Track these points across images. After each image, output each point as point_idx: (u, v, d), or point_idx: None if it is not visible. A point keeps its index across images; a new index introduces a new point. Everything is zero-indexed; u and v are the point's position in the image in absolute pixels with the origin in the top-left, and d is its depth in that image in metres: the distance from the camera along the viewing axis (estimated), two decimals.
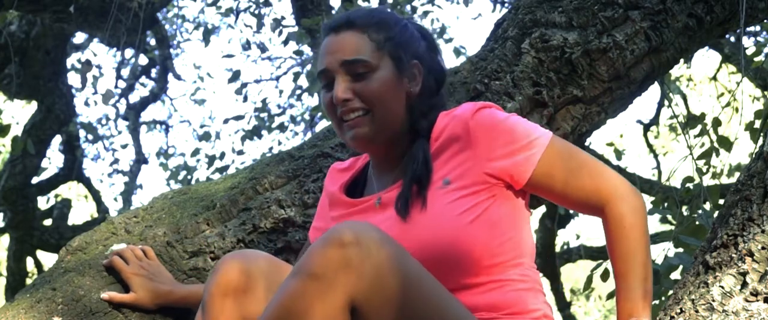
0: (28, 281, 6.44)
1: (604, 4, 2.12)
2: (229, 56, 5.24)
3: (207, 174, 6.65)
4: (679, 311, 1.29)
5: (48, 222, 6.64)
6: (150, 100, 7.49)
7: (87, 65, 5.18)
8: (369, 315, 1.18)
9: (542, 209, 6.73)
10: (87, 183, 7.05)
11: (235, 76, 5.24)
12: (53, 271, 1.83)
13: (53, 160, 9.92)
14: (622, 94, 2.18)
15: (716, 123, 2.91)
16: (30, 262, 6.59)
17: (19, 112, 8.23)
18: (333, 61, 1.46)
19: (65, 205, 6.68)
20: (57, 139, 6.61)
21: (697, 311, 1.26)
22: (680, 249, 2.29)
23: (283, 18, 5.08)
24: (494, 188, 1.40)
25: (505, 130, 1.41)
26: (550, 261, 6.91)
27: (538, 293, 1.43)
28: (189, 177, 6.97)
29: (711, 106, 7.60)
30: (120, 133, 7.85)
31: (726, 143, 2.77)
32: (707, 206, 2.84)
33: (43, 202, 7.08)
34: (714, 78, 7.04)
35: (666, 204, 2.87)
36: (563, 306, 7.39)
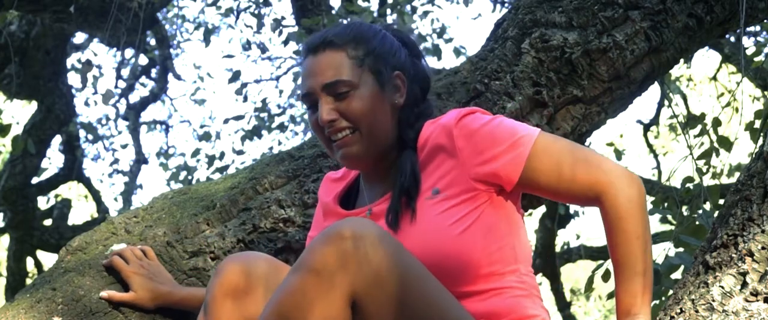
0: (28, 281, 6.44)
1: (604, 4, 2.12)
2: (229, 56, 5.24)
3: (207, 174, 6.65)
4: (679, 311, 1.28)
5: (48, 222, 6.64)
6: (150, 100, 7.49)
7: (87, 65, 5.18)
8: (369, 310, 1.19)
9: (542, 209, 6.73)
10: (87, 183, 7.04)
11: (235, 76, 5.24)
12: (53, 271, 1.83)
13: (53, 160, 9.93)
14: (622, 94, 2.18)
15: (716, 123, 2.91)
16: (30, 262, 6.58)
17: (19, 112, 8.23)
18: (314, 84, 1.46)
19: (65, 205, 6.68)
20: (57, 139, 6.61)
21: (697, 311, 1.26)
22: (680, 249, 2.29)
23: (283, 18, 5.08)
24: (484, 195, 1.40)
25: (488, 133, 1.40)
26: (550, 261, 6.91)
27: (535, 298, 1.43)
28: (189, 177, 6.97)
29: (711, 106, 7.61)
30: (120, 133, 7.85)
31: (726, 143, 2.77)
32: (707, 206, 2.84)
33: (43, 202, 7.08)
34: (714, 78, 7.04)
35: (666, 204, 2.87)
36: (563, 306, 7.39)
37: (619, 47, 2.08)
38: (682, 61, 2.41)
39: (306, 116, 6.50)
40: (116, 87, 7.20)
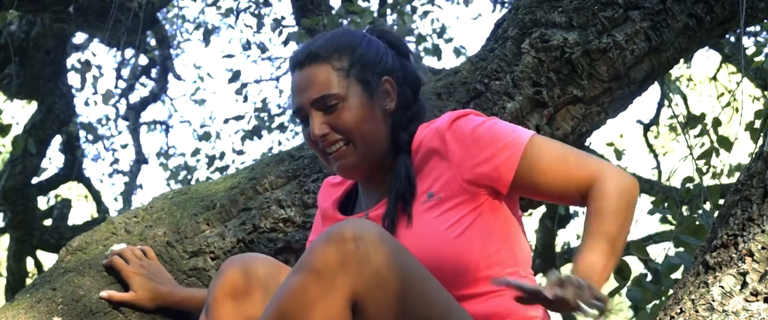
0: (28, 281, 6.44)
1: (604, 4, 2.12)
2: (230, 56, 5.24)
3: (207, 174, 6.65)
4: (679, 311, 1.28)
5: (48, 222, 6.64)
6: (150, 100, 7.49)
7: (87, 65, 5.18)
8: (370, 311, 1.19)
9: (542, 209, 6.73)
10: (87, 183, 7.04)
11: (236, 76, 5.24)
12: (53, 271, 1.83)
13: (53, 160, 9.92)
14: (622, 94, 2.18)
15: (716, 123, 2.91)
16: (30, 262, 6.58)
17: (19, 112, 8.23)
18: (303, 100, 1.46)
19: (65, 205, 6.68)
20: (57, 139, 6.60)
21: (697, 311, 1.26)
22: (680, 249, 2.29)
23: (283, 18, 5.08)
24: (479, 197, 1.39)
25: (480, 135, 1.39)
26: (550, 261, 6.91)
27: None
28: (189, 177, 6.97)
29: (711, 106, 7.60)
30: (120, 133, 7.84)
31: (726, 143, 2.77)
32: (707, 206, 2.84)
33: (43, 202, 7.08)
34: (714, 78, 7.04)
35: (666, 204, 2.87)
36: None
37: (619, 47, 2.09)
38: (682, 61, 2.41)
39: None
40: (116, 87, 7.20)
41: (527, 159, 1.37)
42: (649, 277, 2.33)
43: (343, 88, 1.44)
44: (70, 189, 8.04)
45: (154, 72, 7.27)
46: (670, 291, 1.83)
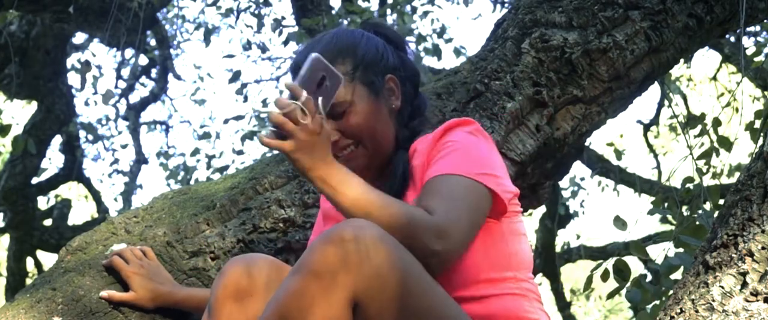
0: (28, 281, 6.44)
1: (604, 4, 2.12)
2: (230, 56, 5.24)
3: (207, 174, 6.65)
4: (679, 311, 1.28)
5: (48, 222, 6.64)
6: (150, 100, 7.49)
7: (87, 65, 5.18)
8: (370, 311, 1.19)
9: (542, 209, 6.73)
10: (87, 183, 7.04)
11: (236, 76, 5.24)
12: (53, 271, 1.83)
13: (53, 160, 9.93)
14: (622, 94, 2.18)
15: (716, 123, 2.91)
16: (30, 262, 6.58)
17: (19, 112, 8.23)
18: None
19: (65, 205, 6.68)
20: (57, 139, 6.60)
21: (697, 311, 1.26)
22: (680, 250, 2.29)
23: (283, 18, 5.08)
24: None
25: (442, 146, 1.40)
26: (550, 261, 6.92)
27: (534, 301, 1.43)
28: (189, 177, 6.97)
29: (711, 106, 7.60)
30: (120, 133, 7.84)
31: (726, 143, 2.77)
32: (707, 206, 2.84)
33: (43, 202, 7.08)
34: (714, 78, 7.04)
35: (666, 204, 2.87)
36: (563, 306, 7.39)
37: (619, 47, 2.08)
38: (682, 61, 2.41)
39: None
40: (116, 87, 7.20)
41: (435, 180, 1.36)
42: (649, 278, 2.33)
43: (349, 92, 1.44)
44: (70, 190, 8.04)
45: (154, 72, 7.27)
46: (670, 292, 1.83)
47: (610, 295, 2.38)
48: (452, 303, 1.27)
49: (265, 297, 1.38)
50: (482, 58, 2.19)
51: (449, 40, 5.78)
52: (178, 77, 7.09)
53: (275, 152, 2.00)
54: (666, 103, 6.22)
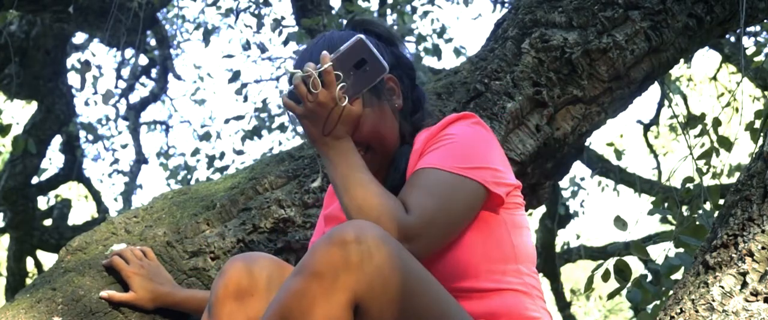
0: (28, 281, 6.44)
1: (604, 4, 2.12)
2: (229, 56, 5.23)
3: (207, 174, 6.65)
4: (679, 311, 1.28)
5: (48, 222, 6.64)
6: (150, 100, 7.49)
7: (86, 65, 5.17)
8: (371, 313, 1.19)
9: (542, 209, 6.73)
10: (87, 183, 7.04)
11: (236, 76, 5.24)
12: (53, 271, 1.83)
13: (53, 160, 9.93)
14: (622, 94, 2.18)
15: (716, 123, 2.90)
16: (30, 262, 6.58)
17: (19, 112, 8.23)
18: None
19: (65, 205, 6.68)
20: (57, 139, 6.60)
21: (697, 311, 1.26)
22: (680, 250, 2.29)
23: (283, 18, 5.08)
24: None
25: (440, 138, 1.40)
26: (550, 261, 6.92)
27: (536, 299, 1.43)
28: (189, 177, 6.97)
29: (711, 106, 7.61)
30: (120, 133, 7.85)
31: (726, 143, 2.77)
32: (707, 206, 2.84)
33: (43, 202, 7.08)
34: (714, 78, 7.05)
35: (666, 205, 2.87)
36: (563, 306, 7.39)
37: (619, 47, 2.08)
38: (682, 61, 2.41)
39: None
40: (116, 87, 7.20)
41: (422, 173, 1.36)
42: (650, 278, 2.33)
43: (356, 101, 1.42)
44: (70, 189, 8.04)
45: (154, 72, 7.27)
46: (670, 292, 1.83)
47: (611, 295, 2.37)
48: (454, 304, 1.26)
49: (266, 296, 1.38)
50: (482, 58, 2.19)
51: (449, 40, 5.78)
52: (178, 77, 7.09)
53: (275, 152, 2.00)
54: (666, 103, 6.22)
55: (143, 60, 7.03)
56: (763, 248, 1.25)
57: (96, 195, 7.16)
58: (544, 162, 2.18)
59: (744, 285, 1.24)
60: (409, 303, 1.19)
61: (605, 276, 2.33)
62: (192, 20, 7.73)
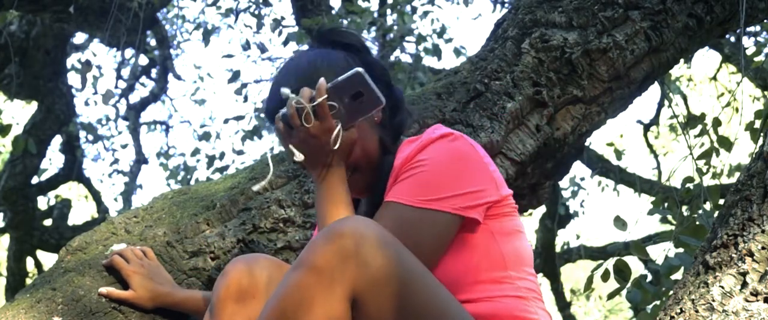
0: (28, 281, 6.44)
1: (604, 4, 2.12)
2: (229, 56, 5.23)
3: (207, 174, 6.65)
4: (679, 311, 1.28)
5: (48, 222, 6.64)
6: (150, 100, 7.49)
7: (87, 65, 5.18)
8: (369, 308, 1.19)
9: (542, 209, 6.73)
10: (87, 183, 7.05)
11: (235, 76, 5.24)
12: (53, 271, 1.83)
13: (53, 160, 9.93)
14: (622, 94, 2.18)
15: (716, 123, 2.91)
16: (30, 262, 6.59)
17: (19, 112, 8.24)
18: None
19: (65, 205, 6.68)
20: (57, 139, 6.60)
21: (697, 311, 1.26)
22: (680, 250, 2.29)
23: (283, 18, 5.08)
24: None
25: (414, 163, 1.38)
26: (550, 261, 6.92)
27: (532, 301, 1.42)
28: (189, 177, 6.97)
29: (711, 106, 7.61)
30: (120, 133, 7.85)
31: (726, 143, 2.77)
32: (707, 206, 2.84)
33: (43, 202, 7.08)
34: (714, 78, 7.05)
35: (666, 204, 2.87)
36: (563, 306, 7.40)
37: (619, 47, 2.09)
38: (682, 61, 2.41)
39: None
40: (116, 87, 7.21)
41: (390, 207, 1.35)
42: (650, 278, 2.33)
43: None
44: (70, 190, 8.04)
45: (154, 72, 7.28)
46: (670, 292, 1.83)
47: (611, 295, 2.37)
48: (453, 301, 1.27)
49: (267, 297, 1.38)
50: (482, 58, 2.19)
51: (449, 40, 5.78)
52: (178, 77, 7.09)
53: (275, 152, 2.00)
54: (666, 103, 6.22)
55: (143, 60, 7.04)
56: (763, 248, 1.25)
57: (96, 195, 7.17)
58: (544, 162, 2.18)
59: (744, 285, 1.24)
60: (407, 298, 1.20)
61: (605, 277, 2.33)
62: (192, 20, 7.74)
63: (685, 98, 6.90)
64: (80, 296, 1.73)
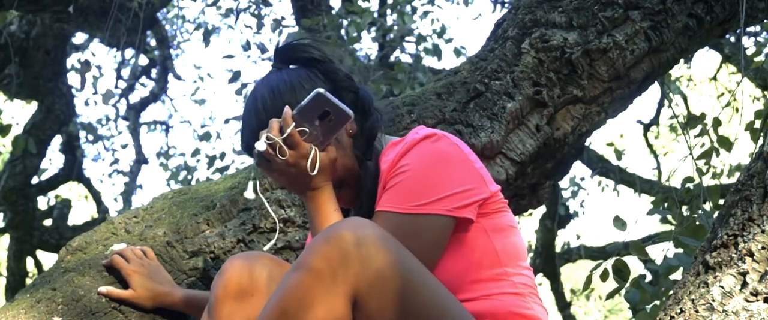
0: (28, 281, 6.44)
1: (604, 4, 2.12)
2: (230, 57, 5.23)
3: (207, 174, 6.65)
4: (679, 311, 1.28)
5: (48, 222, 6.64)
6: (150, 100, 7.49)
7: (87, 65, 5.18)
8: (370, 308, 1.19)
9: (542, 209, 6.73)
10: (87, 183, 7.05)
11: (236, 76, 5.23)
12: (53, 271, 1.83)
13: (53, 160, 9.93)
14: (622, 94, 2.18)
15: (716, 123, 2.90)
16: (30, 262, 6.59)
17: (19, 112, 8.24)
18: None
19: (65, 205, 6.68)
20: (57, 139, 6.60)
21: (697, 311, 1.26)
22: (680, 250, 2.29)
23: (283, 18, 5.07)
24: None
25: (398, 169, 1.37)
26: (550, 261, 6.92)
27: (528, 296, 1.42)
28: (189, 177, 6.97)
29: (711, 106, 7.61)
30: (120, 133, 7.85)
31: (726, 143, 2.77)
32: (707, 206, 2.84)
33: (43, 202, 7.09)
34: (714, 78, 7.05)
35: (666, 204, 2.87)
36: (563, 306, 7.40)
37: (619, 47, 2.09)
38: (682, 61, 2.41)
39: None
40: (116, 87, 7.21)
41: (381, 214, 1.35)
42: (648, 278, 2.33)
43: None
44: (70, 190, 8.05)
45: (154, 72, 7.28)
46: (670, 292, 1.83)
47: (609, 296, 2.37)
48: (453, 299, 1.27)
49: (266, 295, 1.38)
50: (482, 58, 2.19)
51: (449, 40, 5.78)
52: (178, 77, 7.09)
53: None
54: (666, 103, 6.22)
55: (143, 60, 7.04)
56: (763, 248, 1.25)
57: (96, 195, 7.17)
58: (544, 162, 2.18)
59: (744, 285, 1.24)
60: (408, 297, 1.20)
61: (604, 277, 2.33)
62: (192, 20, 7.73)
63: (685, 98, 6.90)
64: (80, 296, 1.73)
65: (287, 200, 1.92)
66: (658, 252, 2.45)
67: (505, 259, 1.42)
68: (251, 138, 1.43)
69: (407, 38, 5.36)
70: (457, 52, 5.47)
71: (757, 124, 2.95)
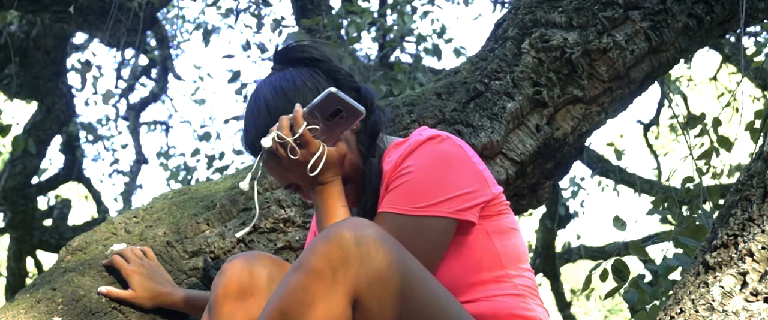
0: (28, 281, 6.44)
1: (604, 4, 2.12)
2: (229, 56, 5.23)
3: (207, 174, 6.65)
4: (679, 311, 1.28)
5: (48, 222, 6.64)
6: (150, 100, 7.49)
7: (87, 65, 5.18)
8: (371, 308, 1.19)
9: (542, 209, 6.73)
10: (87, 183, 7.05)
11: (235, 76, 5.23)
12: (53, 271, 1.83)
13: (53, 160, 9.93)
14: (622, 94, 2.18)
15: (716, 123, 2.90)
16: (30, 262, 6.59)
17: (19, 112, 8.24)
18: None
19: (65, 205, 6.68)
20: (57, 139, 6.61)
21: (697, 311, 1.26)
22: (679, 250, 2.28)
23: (283, 18, 5.07)
24: None
25: (401, 170, 1.37)
26: (550, 261, 6.92)
27: (529, 297, 1.42)
28: (189, 177, 6.97)
29: (711, 106, 7.62)
30: (120, 133, 7.85)
31: (726, 143, 2.77)
32: (707, 206, 2.84)
33: (43, 202, 7.09)
34: (714, 78, 7.05)
35: (666, 204, 2.87)
36: (563, 306, 7.40)
37: (619, 47, 2.09)
38: (682, 61, 2.41)
39: None
40: (116, 87, 7.21)
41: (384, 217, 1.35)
42: (648, 278, 2.33)
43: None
44: (70, 190, 8.05)
45: (154, 72, 7.28)
46: (670, 292, 1.83)
47: (608, 295, 2.37)
48: (453, 300, 1.27)
49: (266, 295, 1.38)
50: (482, 58, 2.19)
51: (449, 40, 5.78)
52: (178, 77, 7.09)
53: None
54: (666, 103, 6.22)
55: (143, 60, 7.04)
56: (763, 248, 1.25)
57: (96, 196, 7.17)
58: (544, 162, 2.18)
59: (744, 285, 1.24)
60: (408, 297, 1.20)
61: (603, 277, 2.33)
62: (192, 20, 7.74)
63: (685, 98, 6.90)
64: (80, 296, 1.73)
65: (287, 200, 1.92)
66: (658, 253, 2.45)
67: (506, 261, 1.42)
68: (257, 138, 1.42)
69: (407, 38, 5.36)
70: (457, 52, 5.47)
71: (757, 124, 2.95)
